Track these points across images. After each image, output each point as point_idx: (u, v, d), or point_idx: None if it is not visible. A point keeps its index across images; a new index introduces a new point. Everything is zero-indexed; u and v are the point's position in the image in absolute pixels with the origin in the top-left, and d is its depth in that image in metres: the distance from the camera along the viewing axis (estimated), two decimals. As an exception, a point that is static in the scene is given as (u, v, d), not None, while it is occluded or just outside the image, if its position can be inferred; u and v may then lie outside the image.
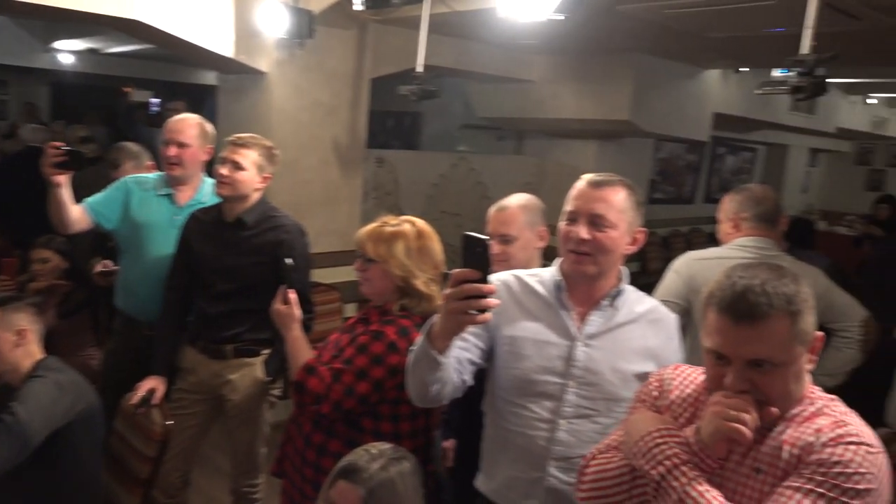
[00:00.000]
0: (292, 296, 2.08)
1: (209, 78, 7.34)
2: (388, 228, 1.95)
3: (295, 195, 4.05)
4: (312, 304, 2.59)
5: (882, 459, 1.13)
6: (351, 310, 4.35)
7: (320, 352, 2.01)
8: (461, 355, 1.61)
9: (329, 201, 4.29)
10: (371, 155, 5.01)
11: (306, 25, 3.57)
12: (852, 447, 1.12)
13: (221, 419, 2.68)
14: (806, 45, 2.40)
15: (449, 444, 2.25)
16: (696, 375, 1.38)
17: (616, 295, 1.68)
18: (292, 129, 4.04)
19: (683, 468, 1.20)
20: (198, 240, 2.58)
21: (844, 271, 3.80)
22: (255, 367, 2.59)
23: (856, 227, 8.57)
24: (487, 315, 1.36)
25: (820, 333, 1.23)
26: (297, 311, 2.08)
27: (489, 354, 1.71)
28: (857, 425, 1.17)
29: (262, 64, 3.91)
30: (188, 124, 2.76)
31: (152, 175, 2.93)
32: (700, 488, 1.17)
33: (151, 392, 2.47)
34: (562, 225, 1.66)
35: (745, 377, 1.18)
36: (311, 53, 3.93)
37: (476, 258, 1.35)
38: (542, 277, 1.73)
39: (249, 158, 2.48)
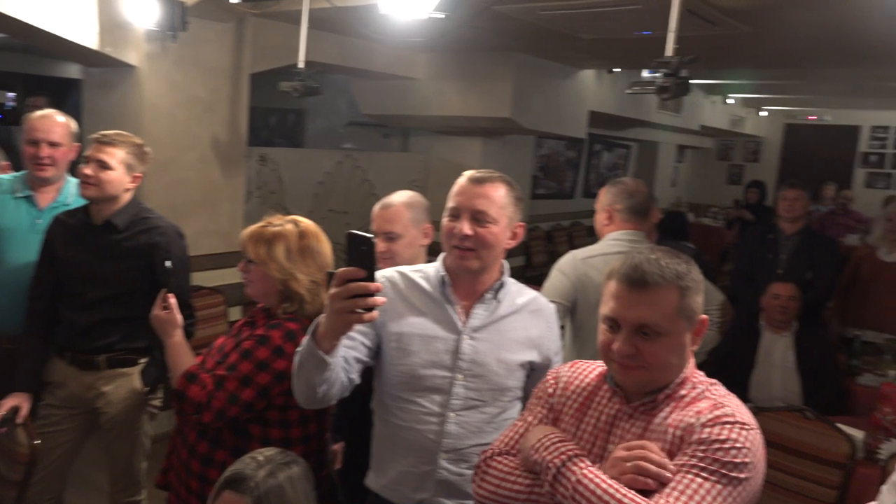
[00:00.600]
0: (172, 300, 1.99)
1: (73, 71, 6.85)
2: (270, 229, 1.91)
3: (172, 195, 3.87)
4: (193, 308, 2.50)
5: (757, 436, 1.23)
6: (236, 313, 4.21)
7: (205, 358, 1.93)
8: (348, 354, 1.61)
9: (209, 201, 4.13)
10: (253, 153, 4.86)
11: (179, 17, 3.41)
12: (728, 426, 1.20)
13: (97, 434, 2.53)
14: (670, 48, 2.56)
15: (337, 446, 2.23)
16: (591, 369, 1.44)
17: (498, 288, 1.73)
18: (167, 126, 3.85)
19: (578, 459, 1.25)
20: (64, 245, 2.42)
21: (705, 259, 4.08)
22: (132, 378, 2.46)
23: (719, 217, 9.25)
24: (374, 313, 1.37)
25: (704, 317, 1.32)
26: (178, 317, 1.99)
27: (376, 352, 1.71)
28: (734, 407, 1.26)
29: (132, 57, 3.70)
30: (56, 122, 2.59)
31: (7, 176, 2.72)
32: (594, 474, 1.22)
33: (14, 410, 2.30)
34: (445, 221, 1.69)
35: (631, 342, 1.26)
36: (185, 47, 3.76)
37: (361, 256, 1.35)
38: (426, 273, 1.75)
39: (117, 157, 2.35)
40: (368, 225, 2.24)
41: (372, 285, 1.35)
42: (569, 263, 2.61)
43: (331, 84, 6.01)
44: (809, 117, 11.02)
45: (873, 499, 2.65)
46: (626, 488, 1.19)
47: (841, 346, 4.05)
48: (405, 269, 1.79)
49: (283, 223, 1.93)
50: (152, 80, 3.77)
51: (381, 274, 1.68)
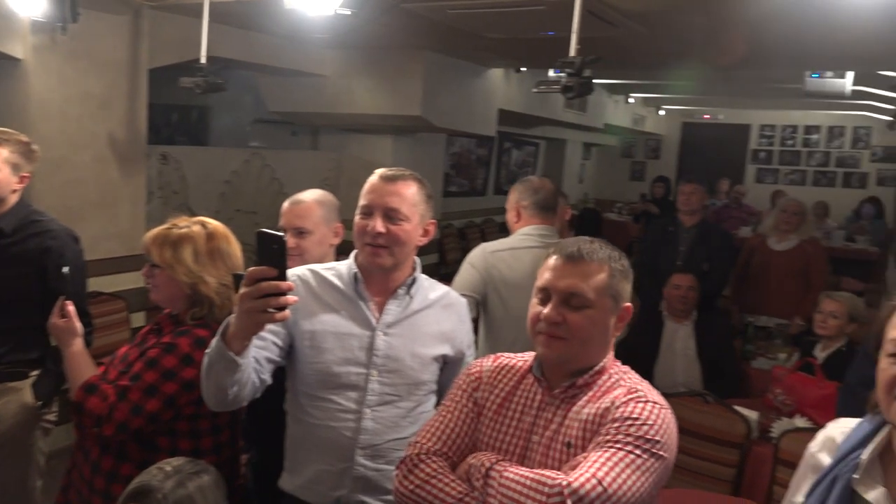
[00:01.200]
0: (70, 308, 1.88)
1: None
2: (176, 231, 1.83)
3: (65, 197, 3.65)
4: (90, 315, 2.37)
5: (669, 415, 1.29)
6: (139, 319, 4.02)
7: (107, 368, 1.84)
8: (259, 354, 1.58)
9: (108, 203, 3.93)
10: (154, 151, 4.66)
11: (68, 7, 3.21)
12: (641, 404, 1.27)
13: (-16, 453, 2.36)
14: (573, 49, 2.63)
15: (244, 457, 2.17)
16: (515, 361, 1.46)
17: (411, 284, 1.75)
18: (58, 123, 3.63)
19: (507, 462, 1.30)
20: (-57, 251, 2.24)
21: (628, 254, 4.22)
22: (23, 392, 2.31)
23: (624, 212, 9.62)
24: (286, 312, 1.36)
25: (629, 305, 1.38)
26: (78, 325, 1.88)
27: (288, 351, 1.69)
28: (647, 389, 1.33)
29: (16, 49, 3.47)
30: None
31: None
32: (519, 468, 1.27)
33: None
34: (357, 219, 1.69)
35: (559, 310, 1.31)
36: (76, 40, 3.55)
37: (272, 255, 1.33)
38: (338, 271, 1.75)
39: (0, 156, 2.20)
40: (278, 224, 2.19)
41: (283, 284, 1.33)
42: (478, 256, 2.65)
43: (236, 80, 5.83)
44: (704, 116, 11.61)
45: (767, 475, 2.82)
46: (550, 471, 1.23)
47: (737, 332, 4.29)
48: (317, 267, 1.78)
49: (190, 224, 1.85)
50: (40, 74, 3.54)
51: (292, 272, 1.67)
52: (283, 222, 2.20)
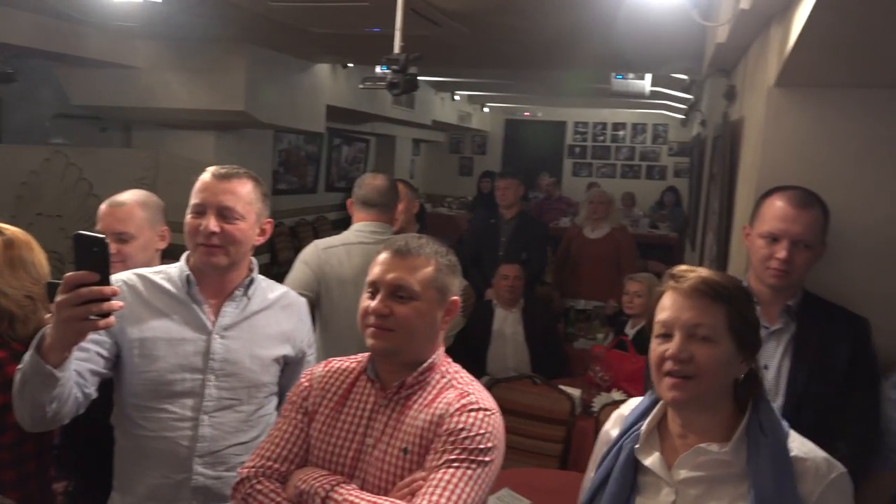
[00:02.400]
0: None
1: None
2: None
3: None
4: None
5: (498, 419, 1.35)
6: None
7: None
8: (81, 367, 1.48)
9: None
10: (-69, 149, 4.10)
11: None
12: (473, 413, 1.31)
13: None
14: (397, 46, 2.65)
15: (59, 486, 1.98)
16: (347, 365, 1.46)
17: (248, 284, 1.71)
18: None
19: (345, 484, 1.30)
20: None
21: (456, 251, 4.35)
22: None
23: (454, 207, 9.90)
24: (111, 319, 1.29)
25: (456, 298, 1.43)
26: None
27: (115, 362, 1.59)
28: (477, 393, 1.37)
29: None
30: None
31: None
32: (359, 493, 1.28)
33: None
34: (189, 218, 1.63)
35: (386, 303, 1.34)
36: None
37: (93, 259, 1.25)
38: (168, 274, 1.68)
39: None
40: (89, 229, 2.01)
41: (108, 289, 1.26)
42: (311, 253, 2.62)
43: (31, 70, 5.26)
44: (525, 114, 12.25)
45: (591, 447, 3.04)
46: (390, 499, 1.26)
47: (560, 316, 4.59)
48: (143, 270, 1.69)
49: None
50: None
51: (116, 277, 1.57)
52: (101, 226, 2.03)
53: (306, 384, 1.45)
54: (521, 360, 3.74)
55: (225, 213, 1.61)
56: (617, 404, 2.88)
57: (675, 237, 8.27)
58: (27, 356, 1.35)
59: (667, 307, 1.26)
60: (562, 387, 3.13)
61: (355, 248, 2.60)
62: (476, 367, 3.55)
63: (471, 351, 3.60)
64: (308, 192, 8.51)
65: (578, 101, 10.41)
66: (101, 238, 1.27)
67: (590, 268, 4.77)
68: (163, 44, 5.11)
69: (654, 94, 7.09)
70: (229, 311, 1.67)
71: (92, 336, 1.42)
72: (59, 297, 1.26)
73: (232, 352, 1.65)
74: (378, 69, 5.55)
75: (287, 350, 1.74)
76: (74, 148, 5.50)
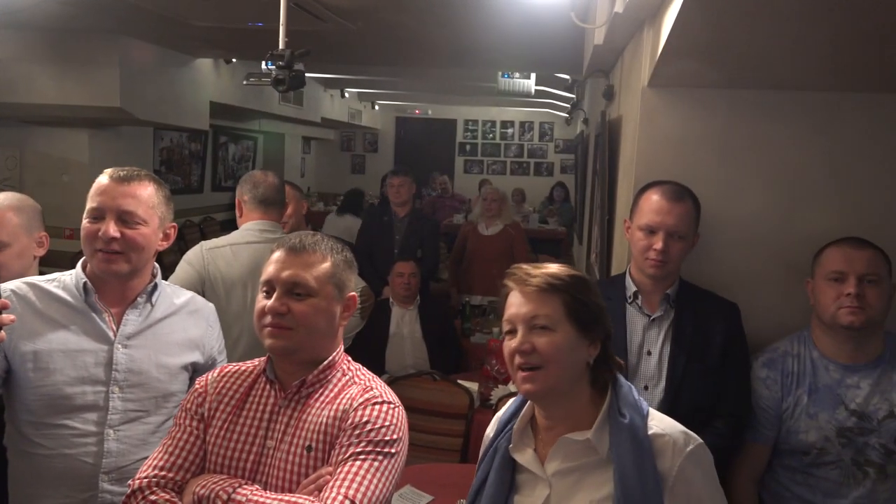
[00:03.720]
0: None
1: None
2: None
3: None
4: None
5: (401, 413, 1.36)
6: None
7: None
8: None
9: None
10: None
11: None
12: (377, 406, 1.32)
13: None
14: (282, 41, 2.59)
15: None
16: (243, 369, 1.43)
17: (152, 291, 1.65)
18: None
19: (247, 484, 1.28)
20: None
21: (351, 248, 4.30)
22: None
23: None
24: (2, 334, 1.24)
25: (354, 294, 1.42)
26: None
27: (5, 378, 1.51)
28: (379, 388, 1.37)
29: None
30: None
31: None
32: (262, 492, 1.26)
33: None
34: (85, 223, 1.56)
35: (283, 301, 1.33)
36: None
37: None
38: (63, 282, 1.59)
39: None
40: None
41: None
42: (195, 254, 2.52)
43: None
44: (416, 111, 12.30)
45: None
46: (296, 495, 1.24)
47: (457, 312, 4.64)
48: (35, 279, 1.60)
49: None
50: None
51: (4, 286, 1.48)
52: None
53: (201, 390, 1.41)
54: (419, 357, 3.76)
55: (125, 218, 1.55)
56: (514, 396, 2.97)
57: (563, 231, 8.56)
58: None
59: (510, 304, 1.30)
60: (460, 381, 3.17)
61: (242, 248, 2.52)
62: (375, 366, 3.53)
63: (370, 351, 3.58)
64: (193, 192, 8.17)
65: (467, 99, 10.58)
66: None
67: (485, 264, 4.86)
68: (27, 34, 4.74)
69: (539, 93, 7.31)
70: (132, 320, 1.61)
71: None
72: None
73: (137, 361, 1.58)
74: (264, 65, 5.41)
75: (196, 357, 1.69)
76: (-76, 147, 5.02)
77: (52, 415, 1.52)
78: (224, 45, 5.34)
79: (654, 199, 1.91)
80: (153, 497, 1.28)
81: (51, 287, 1.58)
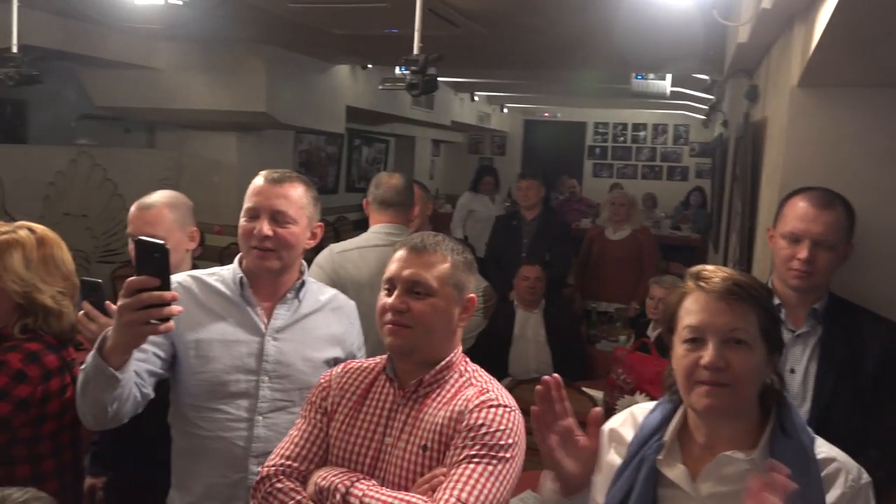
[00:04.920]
0: None
1: None
2: None
3: None
4: None
5: (518, 417, 1.34)
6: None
7: None
8: (140, 367, 1.51)
9: None
10: (-40, 151, 4.17)
11: None
12: (493, 409, 1.31)
13: None
14: (416, 47, 2.66)
15: (98, 480, 2.01)
16: (365, 365, 1.47)
17: (300, 287, 1.72)
18: None
19: (365, 480, 1.30)
20: None
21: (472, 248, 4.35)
22: None
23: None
24: (170, 324, 1.32)
25: (473, 296, 1.42)
26: None
27: (171, 363, 1.62)
28: (496, 390, 1.37)
29: None
30: None
31: None
32: (378, 489, 1.28)
33: None
34: (242, 222, 1.65)
35: (403, 299, 1.35)
36: None
37: (154, 265, 1.28)
38: (221, 276, 1.70)
39: None
40: (114, 228, 2.03)
41: (167, 294, 1.29)
42: (326, 257, 2.62)
43: (56, 72, 5.34)
44: (544, 114, 12.20)
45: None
46: (410, 493, 1.26)
47: (582, 317, 4.56)
48: (198, 273, 1.72)
49: (14, 230, 1.71)
50: None
51: (171, 279, 1.59)
52: (131, 229, 2.06)
53: (325, 384, 1.46)
54: (543, 361, 3.72)
55: (278, 218, 1.63)
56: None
57: (697, 238, 8.19)
58: (90, 357, 1.38)
59: (695, 310, 1.18)
60: (584, 389, 3.11)
61: (370, 252, 2.59)
62: (498, 368, 3.54)
63: (493, 352, 3.59)
64: (329, 193, 8.55)
65: (598, 101, 10.36)
66: (162, 244, 1.30)
67: (612, 269, 4.74)
68: (185, 45, 5.16)
69: (674, 95, 7.03)
70: (281, 314, 1.69)
71: (150, 337, 1.44)
72: (120, 302, 1.29)
73: (284, 354, 1.66)
74: (397, 70, 5.58)
75: (338, 352, 1.75)
76: (100, 149, 5.57)
77: (210, 400, 1.62)
78: (361, 51, 5.54)
79: (800, 205, 1.78)
80: (279, 485, 1.33)
81: (211, 280, 1.69)
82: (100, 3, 3.34)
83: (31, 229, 1.73)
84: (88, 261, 5.21)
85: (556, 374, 1.30)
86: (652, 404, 1.35)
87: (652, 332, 3.59)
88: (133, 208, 2.10)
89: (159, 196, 2.13)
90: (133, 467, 1.94)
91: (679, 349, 1.20)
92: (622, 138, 11.99)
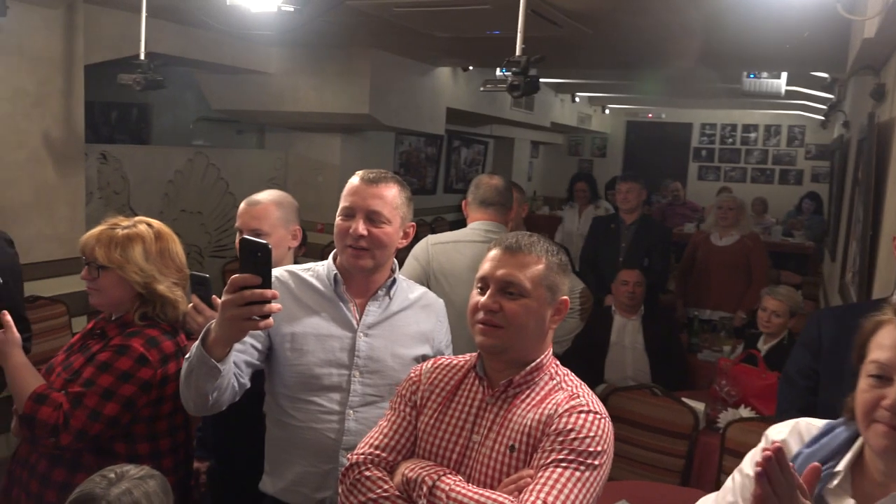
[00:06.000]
0: (7, 318, 1.80)
1: None
2: (121, 231, 1.80)
3: (-3, 198, 3.50)
4: (28, 321, 2.28)
5: (607, 424, 1.32)
6: (80, 323, 3.88)
7: (47, 378, 1.78)
8: (238, 358, 1.58)
9: (44, 204, 3.78)
10: (93, 150, 4.51)
11: (-3, 1, 3.08)
12: (583, 415, 1.29)
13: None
14: (518, 48, 2.64)
15: (202, 465, 2.12)
16: (455, 362, 1.48)
17: (390, 285, 1.75)
18: (-12, 121, 3.48)
19: (451, 474, 1.31)
20: None
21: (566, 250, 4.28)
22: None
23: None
24: (270, 320, 1.37)
25: (566, 298, 1.41)
26: (16, 335, 1.80)
27: (267, 354, 1.69)
28: (586, 396, 1.34)
29: (-58, 44, 3.30)
30: None
31: None
32: (465, 485, 1.28)
33: None
34: (338, 221, 1.69)
35: (496, 298, 1.35)
36: (6, 35, 3.41)
37: (256, 263, 1.34)
38: (316, 272, 1.75)
39: None
40: (225, 225, 2.14)
41: (268, 292, 1.34)
42: (421, 248, 2.66)
43: (177, 77, 5.69)
44: (648, 115, 11.86)
45: (715, 464, 2.88)
46: (496, 492, 1.25)
47: (683, 325, 4.40)
48: (295, 268, 1.77)
49: (134, 224, 1.83)
50: (-32, 70, 3.38)
51: None
52: (238, 224, 2.16)
53: (415, 378, 1.47)
54: (640, 369, 3.62)
55: (372, 217, 1.66)
56: (745, 422, 2.74)
57: (811, 246, 7.73)
58: (194, 348, 1.46)
59: (886, 345, 1.12)
60: (685, 399, 3.00)
61: (466, 246, 2.61)
62: (593, 374, 3.47)
63: (587, 357, 3.53)
64: (427, 193, 8.67)
65: (705, 101, 9.95)
66: (265, 244, 1.35)
67: (717, 276, 4.54)
68: (294, 50, 5.38)
69: (790, 94, 6.66)
70: (373, 311, 1.72)
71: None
72: (224, 297, 1.35)
73: (375, 350, 1.70)
74: (498, 72, 5.57)
75: (426, 350, 1.77)
76: (214, 149, 5.89)
77: (304, 391, 1.67)
78: (462, 53, 5.58)
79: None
80: (367, 473, 1.36)
81: (306, 276, 1.74)
82: (218, 11, 3.52)
83: (148, 224, 1.85)
84: (202, 255, 5.52)
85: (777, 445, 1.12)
86: (818, 421, 1.26)
87: (763, 346, 3.41)
88: (242, 204, 2.20)
89: (267, 194, 2.22)
90: (232, 453, 2.03)
91: (863, 382, 1.14)
92: (731, 140, 11.47)
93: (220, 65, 5.02)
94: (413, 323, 1.77)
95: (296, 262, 2.15)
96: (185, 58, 4.69)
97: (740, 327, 4.25)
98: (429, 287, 2.59)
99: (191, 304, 1.83)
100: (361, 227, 1.65)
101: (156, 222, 1.88)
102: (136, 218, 1.86)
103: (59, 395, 1.68)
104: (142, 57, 3.53)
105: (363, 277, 1.71)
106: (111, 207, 4.55)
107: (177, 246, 1.88)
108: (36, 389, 1.70)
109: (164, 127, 7.07)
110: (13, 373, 1.75)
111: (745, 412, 2.91)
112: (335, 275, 1.71)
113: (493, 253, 1.39)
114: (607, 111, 11.63)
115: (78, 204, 4.00)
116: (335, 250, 1.74)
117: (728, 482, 1.29)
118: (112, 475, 1.37)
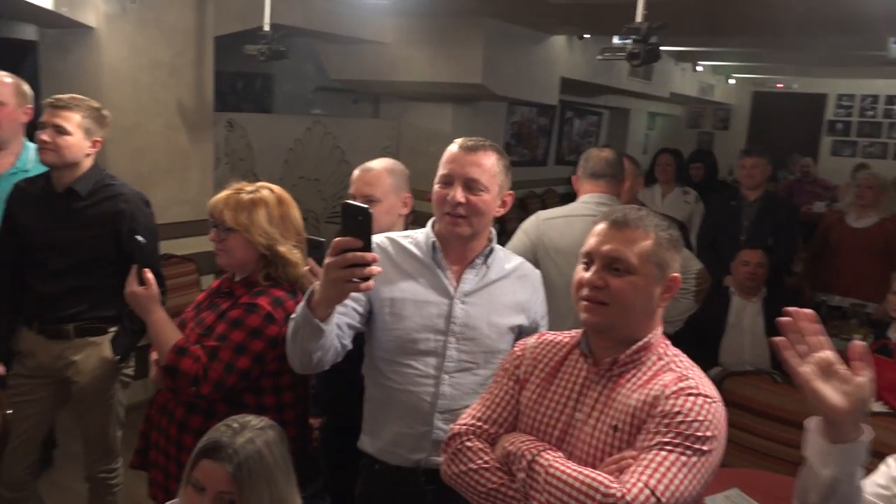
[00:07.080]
0: (149, 275, 1.94)
1: (28, 32, 6.59)
2: (246, 195, 1.89)
3: (137, 163, 3.77)
4: (163, 277, 2.44)
5: (719, 409, 1.25)
6: (208, 281, 4.15)
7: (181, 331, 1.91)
8: (340, 320, 1.62)
9: (177, 168, 4.04)
10: (220, 118, 4.75)
11: (139, -23, 3.28)
12: (692, 398, 1.23)
13: (70, 404, 2.49)
14: (639, 14, 2.53)
15: (316, 421, 2.23)
16: (560, 338, 1.45)
17: (488, 254, 1.76)
18: (130, 91, 3.73)
19: (552, 449, 1.29)
20: (25, 213, 2.36)
21: (684, 227, 4.11)
22: (102, 347, 2.42)
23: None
24: (370, 283, 1.39)
25: (676, 275, 1.34)
26: (157, 291, 1.95)
27: (367, 318, 1.73)
28: (697, 378, 1.28)
29: (89, 18, 3.56)
30: (1, 81, 2.49)
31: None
32: (564, 461, 1.26)
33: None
34: (436, 188, 1.70)
35: (601, 275, 1.31)
36: (146, 8, 3.63)
37: (357, 226, 1.36)
38: (415, 239, 1.77)
39: (73, 121, 2.28)
40: (340, 192, 2.20)
41: (369, 255, 1.37)
42: (531, 223, 2.63)
43: (298, 48, 5.87)
44: (777, 85, 11.11)
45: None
46: (596, 471, 1.22)
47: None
48: (394, 235, 1.80)
49: (257, 189, 1.92)
50: (112, 42, 3.63)
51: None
52: (352, 190, 2.22)
53: (519, 353, 1.46)
54: (759, 354, 3.44)
55: (470, 185, 1.66)
56: (876, 417, 2.55)
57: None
58: (299, 308, 1.52)
59: None
60: (807, 388, 2.83)
61: (577, 220, 2.55)
62: (707, 356, 3.33)
63: (703, 339, 3.40)
64: (538, 165, 8.56)
65: (843, 70, 9.21)
66: (366, 208, 1.37)
67: (850, 260, 4.22)
68: (408, 19, 5.40)
69: (945, 61, 6.05)
70: (469, 279, 1.73)
71: (351, 294, 1.55)
72: (327, 260, 1.39)
73: (471, 317, 1.71)
74: (616, 39, 5.37)
75: (522, 320, 1.77)
76: (331, 118, 6.05)
77: (401, 355, 1.70)
78: (579, 20, 5.42)
79: None
80: (469, 444, 1.37)
81: (405, 242, 1.76)
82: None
83: (270, 189, 1.93)
84: (318, 220, 5.73)
85: (808, 311, 1.17)
86: None
87: (895, 334, 3.16)
88: (356, 171, 2.26)
89: (380, 161, 2.27)
90: (343, 411, 2.10)
91: None
92: (871, 112, 10.57)
93: (339, 35, 5.13)
94: (510, 293, 1.77)
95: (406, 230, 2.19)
96: (307, 29, 4.82)
97: (877, 317, 3.94)
98: (538, 262, 2.57)
99: (307, 267, 1.90)
100: (459, 195, 1.65)
101: (277, 188, 1.95)
102: (259, 183, 1.95)
103: (197, 349, 1.80)
104: (266, 28, 3.67)
105: (460, 245, 1.72)
106: (237, 173, 4.80)
107: (296, 211, 1.95)
108: (177, 342, 1.82)
109: (285, 96, 7.34)
110: (155, 326, 1.89)
111: (877, 406, 2.72)
112: (433, 242, 1.72)
113: (599, 227, 1.35)
114: (731, 81, 10.99)
115: (207, 169, 4.24)
116: (433, 218, 1.75)
117: (882, 467, 1.22)
118: (236, 425, 1.46)
